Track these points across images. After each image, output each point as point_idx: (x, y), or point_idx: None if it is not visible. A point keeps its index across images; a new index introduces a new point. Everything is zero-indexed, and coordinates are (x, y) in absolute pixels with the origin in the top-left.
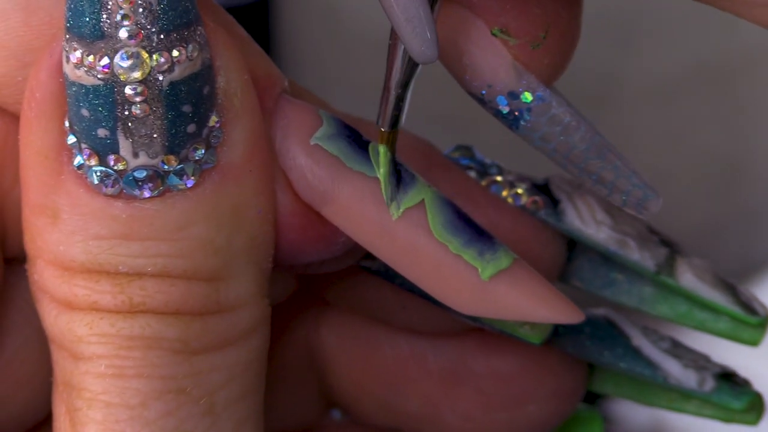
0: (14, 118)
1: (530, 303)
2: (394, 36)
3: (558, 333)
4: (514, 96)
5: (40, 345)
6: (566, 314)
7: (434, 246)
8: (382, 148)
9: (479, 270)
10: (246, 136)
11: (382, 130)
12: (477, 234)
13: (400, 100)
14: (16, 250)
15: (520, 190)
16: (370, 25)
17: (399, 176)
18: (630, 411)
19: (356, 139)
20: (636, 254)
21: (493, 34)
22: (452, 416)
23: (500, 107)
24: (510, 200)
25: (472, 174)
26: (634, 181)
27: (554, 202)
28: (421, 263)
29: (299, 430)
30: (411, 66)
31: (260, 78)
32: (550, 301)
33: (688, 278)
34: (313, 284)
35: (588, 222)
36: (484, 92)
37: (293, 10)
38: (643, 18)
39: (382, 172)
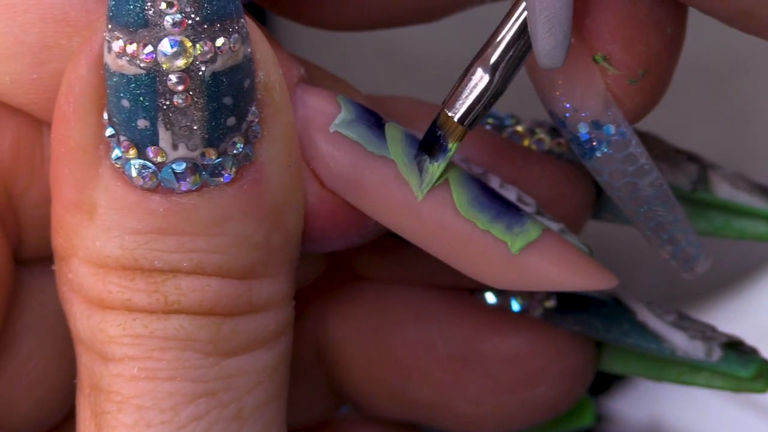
0: (27, 119)
1: (562, 272)
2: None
3: (562, 312)
4: (597, 126)
5: (54, 347)
6: (599, 280)
7: (462, 223)
8: (453, 145)
9: (509, 244)
10: (285, 132)
11: (458, 124)
12: (504, 208)
13: (494, 94)
14: (32, 251)
15: (541, 136)
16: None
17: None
18: (629, 410)
19: (376, 122)
20: (669, 175)
21: (595, 60)
22: (463, 402)
23: (580, 133)
24: (534, 147)
25: (489, 129)
26: (690, 237)
27: None
28: (450, 241)
29: (310, 427)
30: (518, 60)
31: (282, 60)
32: (582, 268)
33: (724, 189)
34: (341, 259)
35: None
36: (567, 115)
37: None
38: None
39: (437, 167)
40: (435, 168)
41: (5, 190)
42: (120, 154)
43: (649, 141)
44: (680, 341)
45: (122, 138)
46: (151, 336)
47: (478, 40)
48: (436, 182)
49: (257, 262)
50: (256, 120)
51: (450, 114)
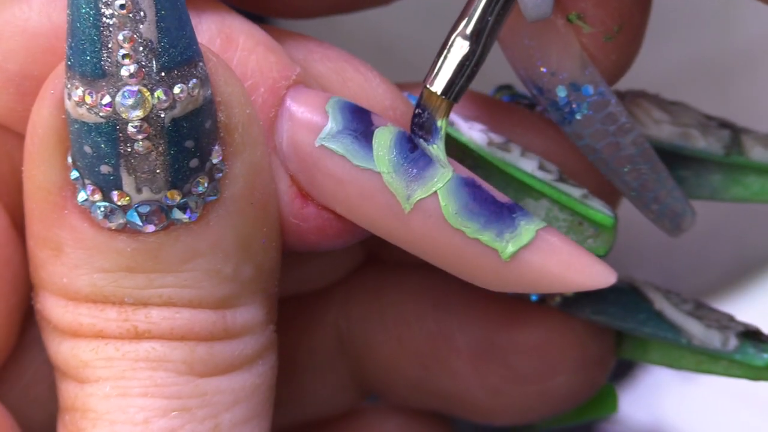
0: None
1: (558, 272)
2: None
3: (580, 301)
4: (575, 87)
5: None
6: (597, 278)
7: (450, 233)
8: (442, 122)
9: (499, 251)
10: (247, 170)
11: (439, 95)
12: (494, 213)
13: (474, 62)
14: None
15: None
16: (370, 25)
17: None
18: (630, 410)
19: (364, 131)
20: (702, 142)
21: (569, 20)
22: (482, 392)
23: (559, 97)
24: None
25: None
26: (675, 194)
27: None
28: (441, 251)
29: (334, 416)
30: (495, 25)
31: (267, 72)
32: (579, 267)
33: (758, 151)
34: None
35: (647, 123)
36: (545, 80)
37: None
38: None
39: (438, 147)
40: (436, 149)
41: (17, 188)
42: (86, 197)
43: (678, 109)
44: (697, 330)
45: (87, 182)
46: (123, 358)
47: None
48: (428, 184)
49: (229, 294)
50: (220, 158)
51: (433, 90)
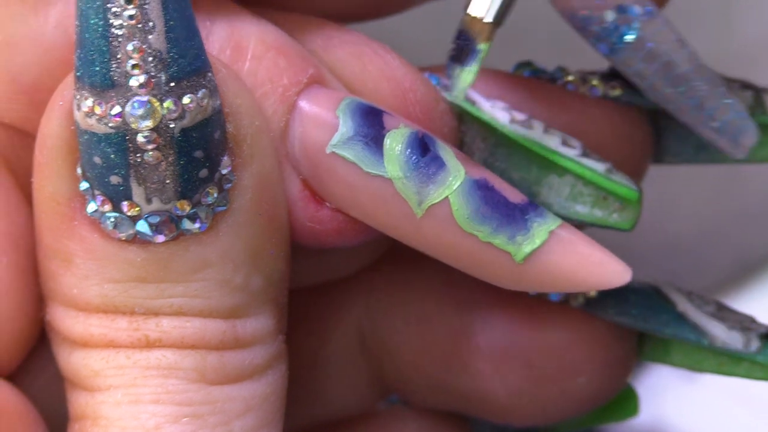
0: None
1: (573, 272)
2: None
3: (602, 302)
4: (622, 10)
5: None
6: (612, 277)
7: (463, 238)
8: (484, 46)
9: (512, 254)
10: (255, 182)
11: (485, 22)
12: (506, 216)
13: None
14: None
15: (595, 82)
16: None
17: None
18: None
19: (375, 136)
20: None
21: None
22: (503, 392)
23: (608, 22)
24: (588, 94)
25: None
26: (735, 107)
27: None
28: (454, 254)
29: (354, 416)
30: None
31: (278, 80)
32: (594, 266)
33: None
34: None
35: None
36: (590, 10)
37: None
38: None
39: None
40: (467, 73)
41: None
42: (96, 208)
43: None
44: (719, 332)
45: (96, 192)
46: (134, 366)
47: None
48: (439, 189)
49: (239, 304)
50: (230, 169)
51: (474, 15)
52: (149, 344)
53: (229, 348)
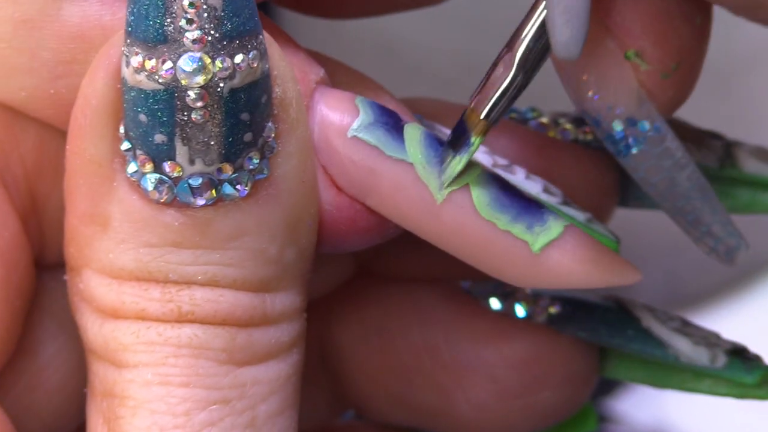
0: (49, 126)
1: (584, 269)
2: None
3: (567, 318)
4: (632, 123)
5: (74, 353)
6: (622, 276)
7: (481, 225)
8: (476, 140)
9: (530, 243)
10: (300, 148)
11: (481, 119)
12: (524, 207)
13: (517, 88)
14: (56, 256)
15: (567, 126)
16: (372, 26)
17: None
18: (633, 411)
19: (395, 125)
20: (696, 155)
21: (626, 57)
22: (466, 406)
23: (615, 131)
24: (559, 137)
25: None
26: (729, 229)
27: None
28: (471, 243)
29: (312, 431)
30: (541, 55)
31: (299, 65)
32: (605, 264)
33: (751, 163)
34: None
35: None
36: (602, 114)
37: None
38: None
39: (462, 161)
40: (457, 162)
41: (29, 193)
42: (136, 168)
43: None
44: (685, 347)
45: (138, 152)
46: (165, 343)
47: (479, 40)
48: (457, 178)
49: (271, 276)
50: (272, 135)
51: (474, 110)
52: (181, 317)
53: (258, 324)
